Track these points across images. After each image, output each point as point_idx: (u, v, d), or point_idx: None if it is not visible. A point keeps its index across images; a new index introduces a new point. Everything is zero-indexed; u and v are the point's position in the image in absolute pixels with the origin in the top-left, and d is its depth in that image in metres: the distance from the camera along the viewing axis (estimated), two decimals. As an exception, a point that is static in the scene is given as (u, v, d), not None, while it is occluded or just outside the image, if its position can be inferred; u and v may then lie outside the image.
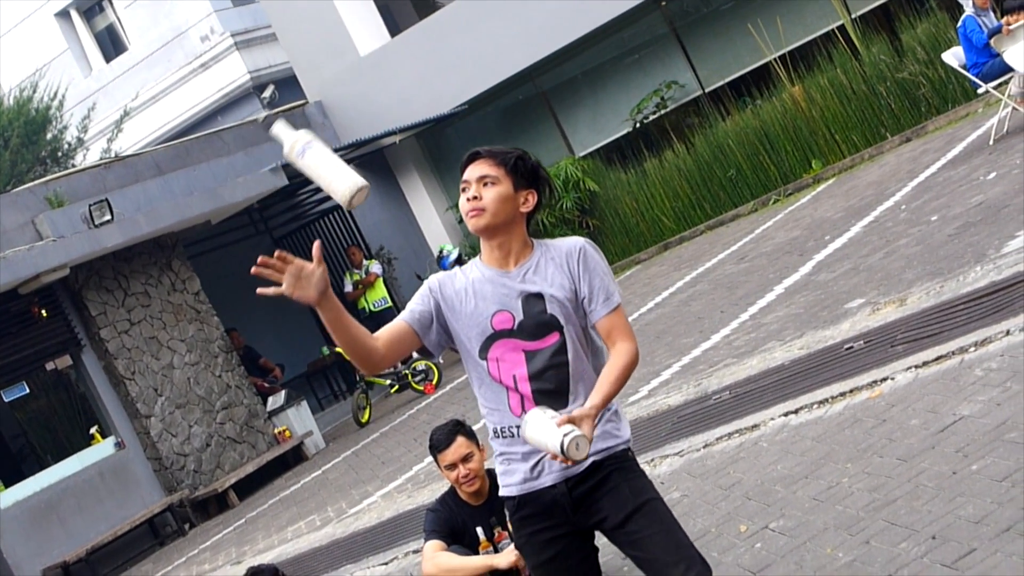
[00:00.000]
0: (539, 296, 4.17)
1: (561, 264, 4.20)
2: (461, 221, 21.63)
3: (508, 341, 4.19)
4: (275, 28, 24.33)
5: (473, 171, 4.23)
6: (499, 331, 4.19)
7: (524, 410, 4.11)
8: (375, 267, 20.38)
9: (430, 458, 6.62)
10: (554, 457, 3.88)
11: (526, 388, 4.17)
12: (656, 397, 9.95)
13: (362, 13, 23.00)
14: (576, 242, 4.26)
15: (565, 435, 3.82)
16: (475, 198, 4.19)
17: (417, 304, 4.28)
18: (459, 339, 4.27)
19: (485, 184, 4.20)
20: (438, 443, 6.55)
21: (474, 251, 20.88)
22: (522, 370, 4.17)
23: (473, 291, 4.24)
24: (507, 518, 4.39)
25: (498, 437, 4.28)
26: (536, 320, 4.17)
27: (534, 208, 4.27)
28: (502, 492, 4.31)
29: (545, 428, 3.89)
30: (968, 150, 13.69)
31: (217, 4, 29.30)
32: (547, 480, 4.19)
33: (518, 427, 4.12)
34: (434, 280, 4.31)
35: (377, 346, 4.18)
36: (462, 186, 4.25)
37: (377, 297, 20.22)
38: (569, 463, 3.86)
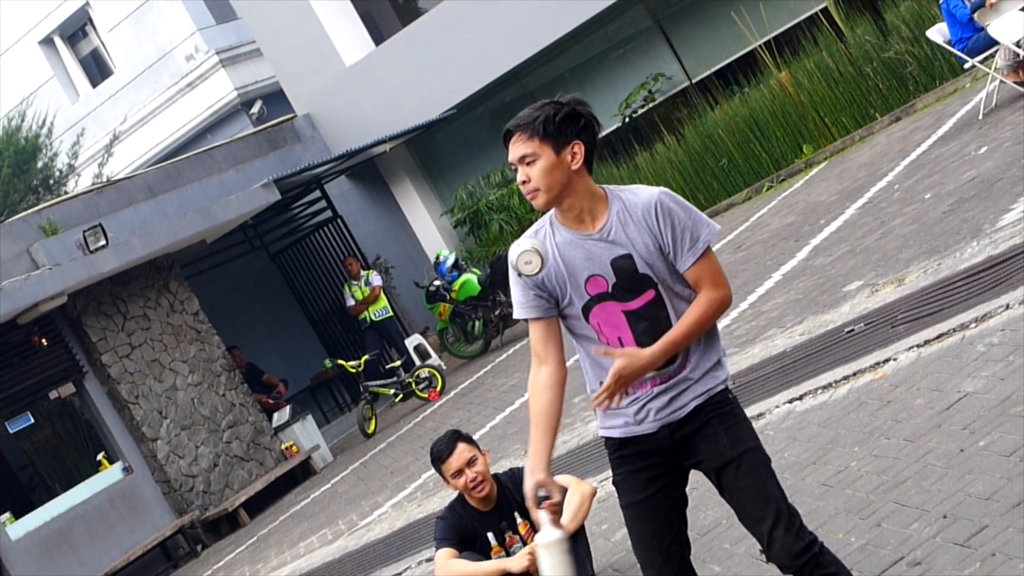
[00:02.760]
0: (628, 257, 4.15)
1: (639, 221, 4.15)
2: (456, 226, 21.65)
3: (606, 304, 4.20)
4: (259, 43, 24.33)
5: (513, 152, 4.18)
6: (595, 295, 4.19)
7: None
8: (375, 279, 20.31)
9: (438, 466, 6.59)
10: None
11: (631, 349, 4.17)
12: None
13: (345, 23, 22.99)
14: (652, 195, 4.18)
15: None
16: (525, 181, 4.16)
17: (524, 295, 4.25)
18: (562, 304, 4.26)
19: (528, 163, 4.14)
20: (440, 453, 6.52)
21: (470, 255, 20.93)
22: (626, 332, 4.20)
23: (561, 257, 4.21)
24: (609, 456, 4.40)
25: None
26: (630, 280, 4.16)
27: (588, 152, 4.19)
28: (603, 433, 4.36)
29: None
30: (958, 126, 13.67)
31: (200, 23, 29.29)
32: (649, 427, 4.25)
33: None
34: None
35: (557, 374, 4.26)
36: (511, 166, 4.22)
37: (379, 307, 20.18)
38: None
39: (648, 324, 4.18)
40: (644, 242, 4.14)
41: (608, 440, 4.36)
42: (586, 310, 4.22)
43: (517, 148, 4.16)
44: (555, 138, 4.12)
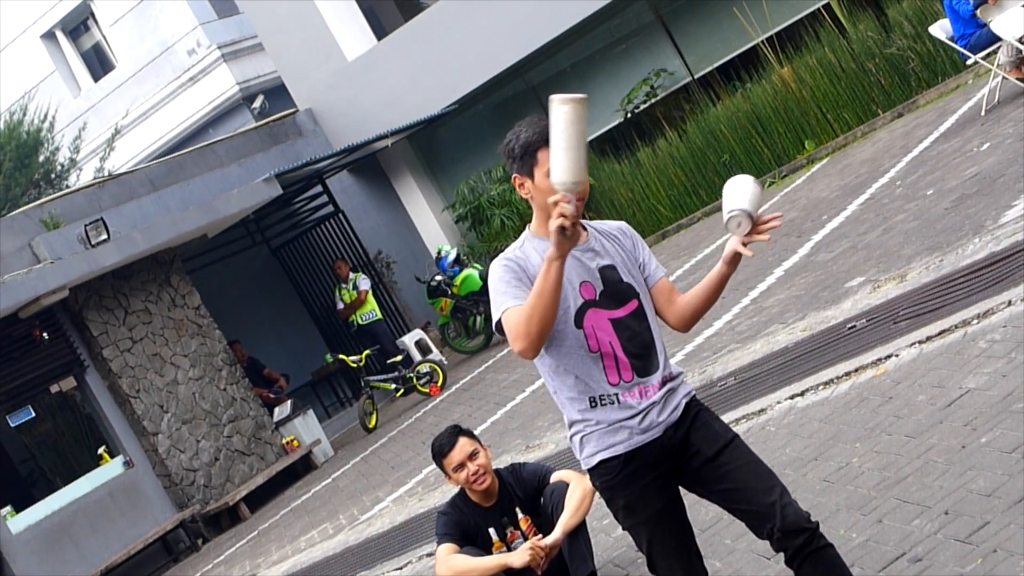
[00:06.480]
0: (612, 267, 4.32)
1: (615, 239, 4.40)
2: (458, 221, 21.63)
3: (596, 311, 4.28)
4: (261, 38, 24.32)
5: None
6: (588, 300, 4.28)
7: (620, 378, 4.25)
8: (363, 283, 20.29)
9: (439, 461, 6.58)
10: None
11: (621, 354, 4.26)
12: (661, 387, 9.91)
13: (347, 17, 22.98)
14: (619, 222, 4.52)
15: (730, 212, 4.24)
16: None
17: (519, 288, 4.18)
18: None
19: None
20: (441, 447, 6.52)
21: (472, 250, 20.92)
22: (615, 339, 4.27)
23: None
24: (608, 481, 4.34)
25: (595, 407, 4.27)
26: (616, 289, 4.30)
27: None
28: (602, 455, 4.31)
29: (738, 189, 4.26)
30: (960, 122, 13.66)
31: (202, 17, 29.26)
32: (656, 432, 4.28)
33: (616, 395, 4.24)
34: (512, 261, 4.25)
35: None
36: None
37: (366, 311, 20.19)
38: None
39: (631, 333, 4.28)
40: (623, 257, 4.37)
41: (607, 462, 4.31)
42: (580, 314, 4.26)
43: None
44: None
